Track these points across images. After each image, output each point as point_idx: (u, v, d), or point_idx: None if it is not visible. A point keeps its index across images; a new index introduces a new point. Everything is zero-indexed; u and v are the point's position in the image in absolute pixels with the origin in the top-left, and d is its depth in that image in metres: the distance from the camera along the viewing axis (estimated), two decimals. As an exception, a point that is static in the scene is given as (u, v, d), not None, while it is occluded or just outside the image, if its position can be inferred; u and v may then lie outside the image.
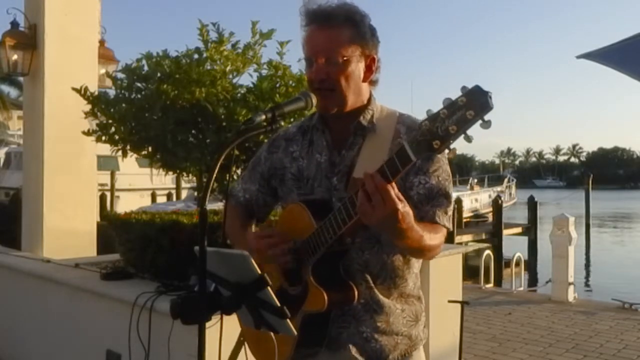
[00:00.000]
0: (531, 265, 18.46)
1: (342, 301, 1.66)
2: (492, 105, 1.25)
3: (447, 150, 1.33)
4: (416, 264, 1.81)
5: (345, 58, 1.65)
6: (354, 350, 1.71)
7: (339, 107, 1.71)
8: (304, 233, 1.63)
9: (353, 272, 1.69)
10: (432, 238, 1.59)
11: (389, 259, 1.72)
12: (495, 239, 20.10)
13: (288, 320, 1.47)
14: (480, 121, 1.27)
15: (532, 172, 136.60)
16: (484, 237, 20.43)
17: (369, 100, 1.77)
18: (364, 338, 1.71)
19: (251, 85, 3.71)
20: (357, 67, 1.69)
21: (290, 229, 1.72)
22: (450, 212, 1.71)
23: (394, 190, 1.39)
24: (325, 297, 1.59)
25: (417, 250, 1.60)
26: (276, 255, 1.66)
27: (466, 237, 19.35)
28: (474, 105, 1.26)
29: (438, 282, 4.09)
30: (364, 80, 1.73)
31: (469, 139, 1.29)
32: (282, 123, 1.65)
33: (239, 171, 3.62)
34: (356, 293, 1.67)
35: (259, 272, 1.46)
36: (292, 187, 1.82)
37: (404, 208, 1.42)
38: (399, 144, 1.41)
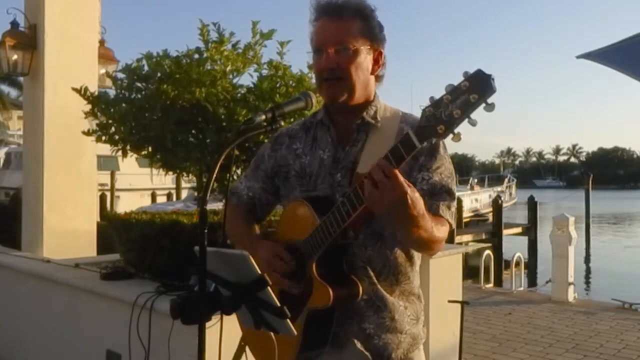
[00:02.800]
0: (531, 265, 18.45)
1: (346, 297, 1.66)
2: (495, 88, 1.27)
3: (451, 135, 1.33)
4: (417, 261, 1.81)
5: (354, 48, 1.67)
6: (359, 345, 1.70)
7: (348, 95, 1.71)
8: (308, 229, 1.64)
9: (356, 269, 1.70)
10: (440, 230, 1.60)
11: (392, 255, 1.73)
12: (495, 239, 20.10)
13: (288, 321, 1.47)
14: (483, 104, 1.28)
15: (532, 172, 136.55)
16: (484, 237, 20.42)
17: (374, 96, 1.79)
18: (367, 335, 1.71)
19: (251, 85, 3.71)
20: (366, 59, 1.71)
21: (293, 226, 1.73)
22: (453, 209, 1.71)
23: (402, 176, 1.40)
24: (331, 292, 1.59)
25: (428, 241, 1.57)
26: (276, 279, 1.65)
27: (466, 237, 19.36)
28: (477, 88, 1.27)
29: (438, 282, 4.09)
30: (371, 73, 1.74)
31: (473, 123, 1.30)
32: (282, 123, 1.65)
33: (239, 171, 3.62)
34: (360, 289, 1.67)
35: (259, 272, 1.46)
36: (295, 184, 1.82)
37: (414, 193, 1.42)
38: (404, 132, 1.41)
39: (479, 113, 1.30)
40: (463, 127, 1.32)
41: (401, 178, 1.38)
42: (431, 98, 1.34)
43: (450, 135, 1.33)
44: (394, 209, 1.41)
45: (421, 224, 1.48)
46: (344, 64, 1.67)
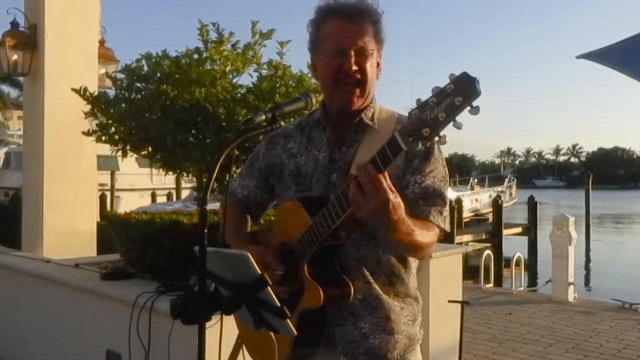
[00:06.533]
0: (531, 265, 18.44)
1: (338, 297, 1.66)
2: (480, 91, 1.26)
3: (437, 138, 1.32)
4: (413, 264, 1.80)
5: (372, 52, 1.69)
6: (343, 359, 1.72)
7: (361, 102, 1.72)
8: (300, 229, 1.64)
9: (350, 268, 1.70)
10: (424, 235, 1.59)
11: (384, 256, 1.73)
12: (495, 239, 20.05)
13: (288, 320, 1.47)
14: (468, 107, 1.27)
15: (532, 172, 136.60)
16: (484, 237, 20.39)
17: (371, 99, 1.79)
18: (363, 334, 1.71)
19: (251, 85, 3.71)
20: (375, 63, 1.73)
21: (286, 226, 1.73)
22: (446, 213, 1.70)
23: (386, 181, 1.39)
24: (321, 293, 1.59)
25: (409, 245, 1.58)
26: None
27: (466, 237, 19.33)
28: (462, 91, 1.26)
29: (438, 282, 4.09)
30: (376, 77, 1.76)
31: (458, 126, 1.29)
32: (282, 123, 1.65)
33: (238, 171, 3.62)
34: (352, 289, 1.67)
35: (259, 272, 1.46)
36: (290, 184, 1.83)
37: (395, 199, 1.42)
38: (391, 134, 1.41)
39: (464, 115, 1.29)
40: (462, 124, 1.30)
41: (385, 184, 1.38)
42: (418, 100, 1.33)
43: (436, 138, 1.32)
44: (375, 213, 1.42)
45: (400, 227, 1.48)
46: (364, 66, 1.68)
